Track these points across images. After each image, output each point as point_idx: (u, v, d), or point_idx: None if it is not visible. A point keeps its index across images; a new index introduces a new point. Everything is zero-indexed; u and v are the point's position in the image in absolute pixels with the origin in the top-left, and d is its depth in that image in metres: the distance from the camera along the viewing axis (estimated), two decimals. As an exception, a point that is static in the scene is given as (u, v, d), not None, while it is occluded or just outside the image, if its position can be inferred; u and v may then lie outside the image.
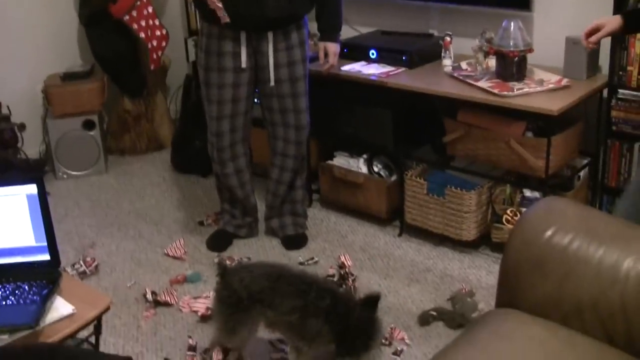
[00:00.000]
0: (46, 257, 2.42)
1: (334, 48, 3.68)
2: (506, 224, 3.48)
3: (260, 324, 2.78)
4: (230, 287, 2.71)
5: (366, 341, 2.66)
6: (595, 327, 2.05)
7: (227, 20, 3.31)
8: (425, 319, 3.17)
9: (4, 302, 2.27)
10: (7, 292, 2.31)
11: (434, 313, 3.18)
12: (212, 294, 2.80)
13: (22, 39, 4.81)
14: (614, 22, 2.75)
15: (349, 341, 2.65)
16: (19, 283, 2.34)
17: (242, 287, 2.70)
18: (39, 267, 2.42)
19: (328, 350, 2.69)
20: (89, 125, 4.79)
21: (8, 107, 4.62)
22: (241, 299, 2.69)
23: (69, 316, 2.27)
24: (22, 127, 4.68)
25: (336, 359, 2.68)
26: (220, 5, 3.26)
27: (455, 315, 3.15)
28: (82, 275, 3.60)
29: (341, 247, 3.80)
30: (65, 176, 4.82)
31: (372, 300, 2.71)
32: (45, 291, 2.30)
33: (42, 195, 2.36)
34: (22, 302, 2.27)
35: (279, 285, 2.71)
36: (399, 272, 3.55)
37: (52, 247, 2.41)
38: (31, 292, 2.30)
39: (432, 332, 3.10)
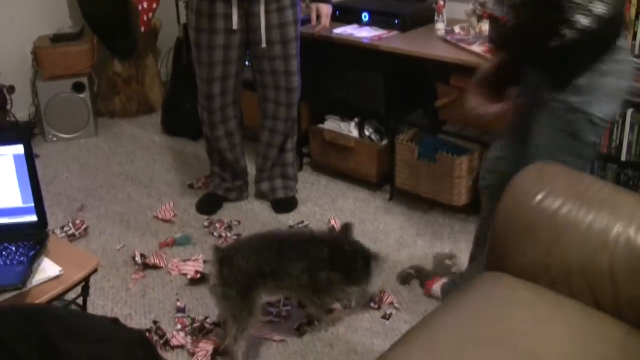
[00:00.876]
0: (33, 218, 2.39)
1: (326, 9, 3.65)
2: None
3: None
4: (238, 269, 2.66)
5: (366, 266, 2.85)
6: (583, 291, 2.05)
7: None
8: (405, 278, 3.19)
9: (-10, 263, 2.26)
10: (-6, 252, 2.30)
11: (412, 271, 3.20)
12: (211, 285, 2.74)
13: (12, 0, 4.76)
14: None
15: (353, 272, 2.82)
16: (5, 244, 2.32)
17: (251, 264, 2.67)
18: (26, 228, 2.39)
19: (344, 291, 2.87)
20: (78, 87, 4.75)
21: (-3, 69, 4.59)
22: (251, 277, 2.66)
23: (56, 277, 2.25)
24: (11, 89, 4.64)
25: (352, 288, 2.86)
26: None
27: (432, 275, 3.17)
28: (71, 237, 3.59)
29: (331, 211, 3.79)
30: (54, 139, 4.79)
31: (348, 230, 2.93)
32: (32, 252, 2.29)
33: (29, 155, 2.34)
34: (8, 262, 2.25)
35: (281, 253, 2.73)
36: (389, 236, 3.55)
37: (39, 208, 2.39)
38: (18, 253, 2.28)
39: (421, 296, 3.11)
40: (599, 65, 2.28)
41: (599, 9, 2.14)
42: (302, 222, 3.68)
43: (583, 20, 2.15)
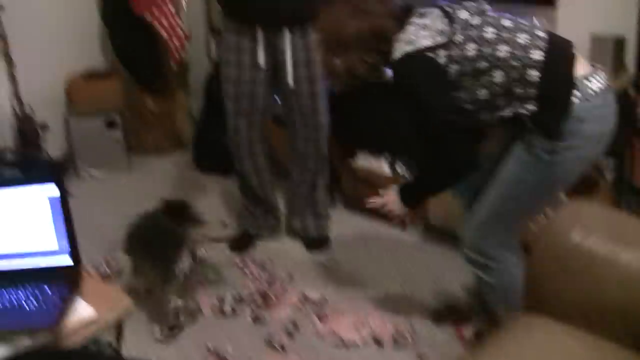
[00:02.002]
0: (68, 259, 2.40)
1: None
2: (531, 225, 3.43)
3: None
4: None
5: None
6: (623, 333, 2.01)
7: None
8: (439, 318, 3.16)
9: (25, 305, 2.26)
10: (28, 294, 2.30)
11: (446, 312, 3.18)
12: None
13: (44, 37, 4.79)
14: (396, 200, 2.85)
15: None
16: (40, 285, 2.33)
17: None
18: (60, 270, 2.40)
19: None
20: (110, 124, 4.79)
21: (30, 107, 4.63)
22: None
23: (90, 318, 2.25)
24: (44, 127, 4.68)
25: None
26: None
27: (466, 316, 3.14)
28: (105, 277, 3.59)
29: (364, 249, 3.76)
30: (87, 176, 4.82)
31: None
32: (66, 293, 2.29)
33: (64, 198, 2.35)
34: (43, 304, 2.25)
35: None
36: (423, 274, 3.51)
37: (74, 250, 2.39)
38: (52, 295, 2.29)
39: (451, 340, 3.07)
40: (575, 112, 2.37)
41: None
42: (333, 258, 3.66)
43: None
